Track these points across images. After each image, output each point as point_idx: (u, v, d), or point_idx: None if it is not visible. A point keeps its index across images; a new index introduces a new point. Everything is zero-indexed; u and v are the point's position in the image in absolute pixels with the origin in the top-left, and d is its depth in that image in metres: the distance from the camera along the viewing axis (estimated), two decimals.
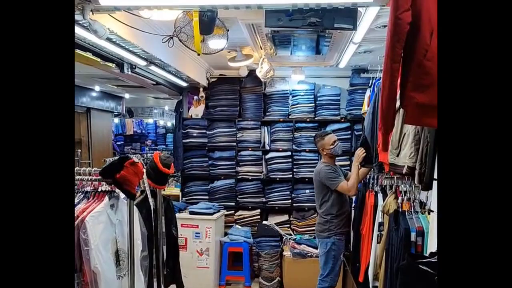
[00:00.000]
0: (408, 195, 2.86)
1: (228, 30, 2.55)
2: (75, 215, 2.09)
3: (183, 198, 5.37)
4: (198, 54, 2.35)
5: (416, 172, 2.38)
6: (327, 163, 3.85)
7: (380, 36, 3.53)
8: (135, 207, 2.44)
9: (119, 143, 11.69)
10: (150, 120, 12.23)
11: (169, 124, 13.05)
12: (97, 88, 6.77)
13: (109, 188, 2.36)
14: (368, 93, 4.36)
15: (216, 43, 2.60)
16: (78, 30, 2.44)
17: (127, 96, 8.00)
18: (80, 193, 2.29)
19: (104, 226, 2.20)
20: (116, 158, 2.32)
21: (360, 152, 3.59)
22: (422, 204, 2.76)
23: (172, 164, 2.86)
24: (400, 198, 2.92)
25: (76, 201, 2.24)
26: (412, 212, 2.66)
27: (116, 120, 10.80)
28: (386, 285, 2.95)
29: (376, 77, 4.01)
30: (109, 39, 2.66)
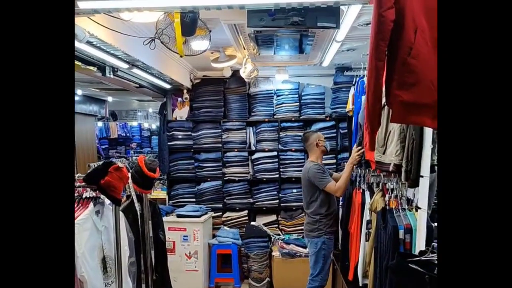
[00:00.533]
0: (395, 192, 2.87)
1: (210, 31, 2.52)
2: None
3: (170, 201, 5.32)
4: (181, 56, 2.32)
5: (403, 170, 2.39)
6: (316, 162, 3.80)
7: (363, 34, 3.54)
8: (121, 212, 2.40)
9: (103, 146, 11.53)
10: (135, 123, 12.11)
11: (153, 126, 12.95)
12: (79, 92, 6.67)
13: (94, 194, 2.32)
14: (352, 91, 4.37)
15: (198, 44, 2.57)
16: None
17: (110, 99, 7.91)
18: None
19: (90, 233, 2.16)
20: (100, 163, 2.27)
21: (357, 154, 3.48)
22: (409, 201, 2.77)
23: (158, 168, 2.83)
24: (387, 195, 2.93)
25: None
26: (400, 210, 2.66)
27: (100, 123, 10.67)
28: (375, 283, 2.96)
29: (360, 75, 4.03)
30: (89, 43, 2.61)
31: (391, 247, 2.60)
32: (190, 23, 2.21)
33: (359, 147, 3.44)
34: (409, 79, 1.46)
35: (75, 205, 2.23)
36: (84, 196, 2.32)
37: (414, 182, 2.27)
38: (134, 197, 2.77)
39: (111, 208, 2.33)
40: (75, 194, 2.33)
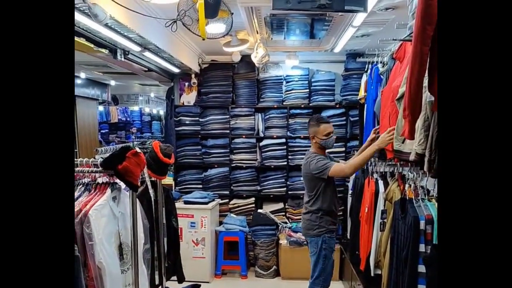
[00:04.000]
0: (414, 182, 2.82)
1: (232, 14, 2.43)
2: (78, 208, 1.98)
3: (177, 188, 5.26)
4: (203, 39, 2.23)
5: (426, 159, 2.32)
6: (316, 153, 3.41)
7: (381, 20, 3.46)
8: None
9: (103, 131, 11.45)
10: (136, 108, 12.00)
11: (154, 111, 12.85)
12: (82, 75, 6.55)
13: (108, 180, 2.25)
14: (365, 78, 4.30)
15: (220, 27, 2.48)
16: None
17: (112, 83, 7.79)
18: (81, 186, 2.17)
19: (107, 220, 2.10)
20: (118, 148, 2.20)
21: (389, 136, 2.89)
22: (428, 192, 2.72)
23: (173, 153, 2.76)
24: (407, 185, 2.87)
25: (77, 194, 2.12)
26: (420, 200, 2.61)
27: (101, 108, 10.55)
28: (391, 273, 2.92)
29: (373, 62, 3.94)
30: (105, 24, 2.52)
31: (410, 237, 2.55)
32: (214, 4, 2.13)
33: (392, 128, 2.91)
34: None
35: (92, 191, 2.16)
36: (99, 181, 2.25)
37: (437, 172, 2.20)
38: (149, 183, 2.70)
39: (127, 194, 2.27)
40: (88, 180, 2.27)
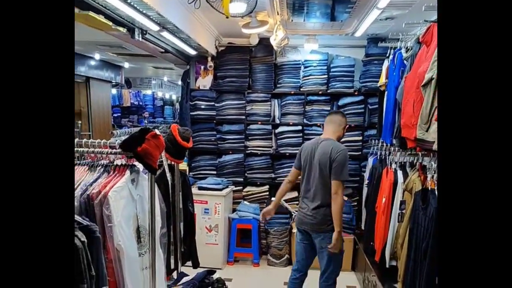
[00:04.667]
0: (433, 172, 2.73)
1: None
2: (98, 190, 1.94)
3: (190, 173, 5.21)
4: (227, 17, 2.15)
5: None
6: (340, 144, 3.23)
7: (408, 1, 3.33)
8: None
9: (115, 115, 11.41)
10: (148, 92, 11.93)
11: (167, 96, 12.78)
12: (97, 56, 6.49)
13: (124, 162, 2.21)
14: (386, 63, 4.16)
15: (242, 6, 2.40)
16: None
17: (126, 65, 7.73)
18: (100, 167, 2.12)
19: (126, 202, 2.06)
20: (137, 130, 2.14)
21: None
22: None
23: (191, 137, 2.70)
24: (429, 175, 2.78)
25: (96, 175, 2.08)
26: None
27: (114, 90, 10.50)
28: (408, 265, 2.86)
29: (396, 47, 3.82)
30: (125, 0, 2.44)
31: (431, 228, 2.48)
32: None
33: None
34: None
35: (111, 172, 2.11)
36: (116, 163, 2.20)
37: None
38: (166, 167, 2.66)
39: (145, 177, 2.22)
40: (106, 161, 2.22)
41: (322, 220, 3.17)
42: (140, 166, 2.19)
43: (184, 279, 3.14)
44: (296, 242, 3.47)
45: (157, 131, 2.12)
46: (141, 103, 12.35)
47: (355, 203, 5.00)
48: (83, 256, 1.60)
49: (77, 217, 1.75)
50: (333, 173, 3.07)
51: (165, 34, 3.48)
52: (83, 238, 1.63)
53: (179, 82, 7.76)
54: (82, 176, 2.10)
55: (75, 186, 2.00)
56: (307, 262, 3.42)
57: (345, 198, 4.78)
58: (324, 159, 3.12)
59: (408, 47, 3.50)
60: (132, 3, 2.62)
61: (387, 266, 3.48)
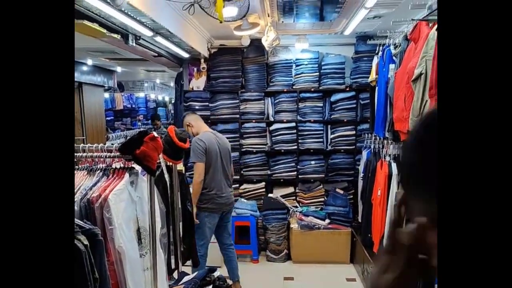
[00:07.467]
0: None
1: None
2: (98, 193, 1.98)
3: (187, 173, 5.24)
4: (220, 22, 2.20)
5: None
6: None
7: (394, 0, 3.40)
8: None
9: (108, 118, 11.40)
10: (141, 94, 11.94)
11: (160, 98, 12.79)
12: (89, 62, 6.50)
13: (123, 165, 2.25)
14: (376, 60, 4.24)
15: (235, 10, 2.45)
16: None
17: (119, 69, 7.74)
18: (99, 171, 2.17)
19: (126, 204, 2.10)
20: (135, 132, 2.19)
21: None
22: None
23: (188, 138, 2.75)
24: None
25: (95, 179, 2.12)
26: None
27: (106, 94, 10.49)
28: None
29: (385, 44, 3.89)
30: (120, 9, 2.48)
31: None
32: None
33: None
34: None
35: (111, 176, 2.15)
36: (115, 166, 2.25)
37: None
38: (164, 168, 2.70)
39: (144, 178, 2.26)
40: (104, 165, 2.26)
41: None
42: (138, 168, 2.24)
43: (185, 278, 3.18)
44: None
45: (155, 134, 2.17)
46: (134, 106, 12.36)
47: (351, 196, 5.06)
48: (86, 259, 1.63)
49: (79, 221, 1.79)
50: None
51: (159, 39, 3.52)
52: (86, 242, 1.66)
53: (172, 84, 7.76)
54: (81, 181, 2.14)
55: (75, 191, 2.05)
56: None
57: (341, 192, 4.88)
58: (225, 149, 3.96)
59: (396, 44, 3.57)
60: (126, 11, 2.66)
61: None
